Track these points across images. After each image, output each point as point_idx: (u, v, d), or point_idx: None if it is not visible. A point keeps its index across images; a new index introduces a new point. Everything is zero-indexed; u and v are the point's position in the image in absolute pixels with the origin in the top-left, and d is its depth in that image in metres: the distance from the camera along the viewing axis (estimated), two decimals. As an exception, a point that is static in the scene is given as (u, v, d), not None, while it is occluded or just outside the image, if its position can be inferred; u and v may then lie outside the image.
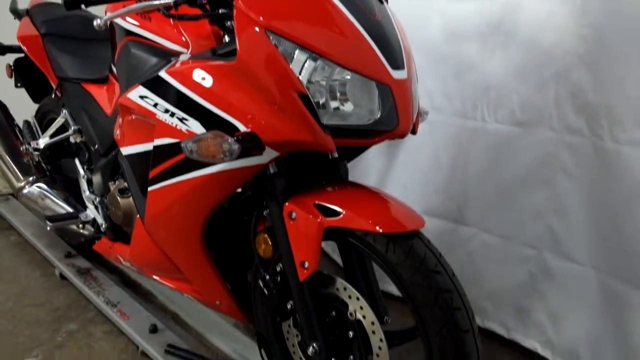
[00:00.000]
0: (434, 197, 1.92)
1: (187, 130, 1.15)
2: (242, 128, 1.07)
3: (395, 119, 1.10)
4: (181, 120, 1.16)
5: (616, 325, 1.50)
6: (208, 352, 1.70)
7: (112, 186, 1.63)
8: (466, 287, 1.13)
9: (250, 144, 1.05)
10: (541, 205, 1.65)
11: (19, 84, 2.21)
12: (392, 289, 2.01)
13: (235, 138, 1.04)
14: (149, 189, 1.32)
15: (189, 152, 1.07)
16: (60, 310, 1.97)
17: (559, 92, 1.55)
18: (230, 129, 1.08)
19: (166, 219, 1.33)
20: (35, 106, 2.29)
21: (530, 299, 1.75)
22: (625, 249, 1.44)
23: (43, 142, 1.99)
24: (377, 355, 1.17)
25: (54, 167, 2.10)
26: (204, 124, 1.12)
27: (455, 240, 1.88)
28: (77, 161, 1.85)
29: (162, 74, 1.20)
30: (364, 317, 1.17)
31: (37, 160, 2.05)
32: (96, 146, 1.72)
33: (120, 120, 1.44)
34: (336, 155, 1.30)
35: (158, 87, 1.21)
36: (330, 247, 2.38)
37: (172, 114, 1.18)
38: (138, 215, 1.48)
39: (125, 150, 1.44)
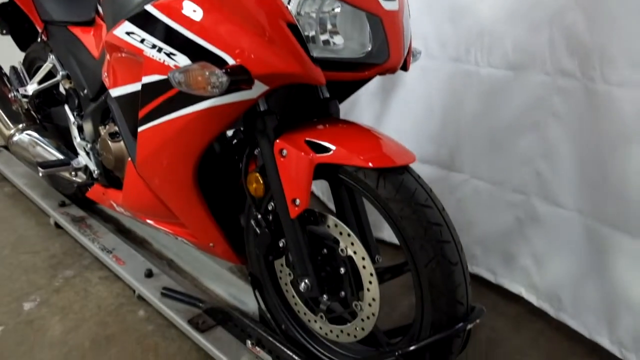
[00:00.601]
0: (427, 144, 1.93)
1: (174, 65, 1.14)
2: (230, 61, 1.06)
3: (386, 52, 1.09)
4: (169, 55, 1.14)
5: (598, 269, 1.53)
6: (203, 295, 1.73)
7: (103, 131, 1.62)
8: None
9: (239, 77, 1.04)
10: (530, 151, 1.67)
11: (4, 31, 2.16)
12: (384, 235, 2.07)
13: (223, 70, 1.03)
14: (139, 129, 1.31)
15: (177, 83, 1.06)
16: (57, 258, 1.99)
17: (553, 34, 1.54)
18: (219, 63, 1.06)
19: (157, 159, 1.33)
20: (22, 55, 2.24)
21: (517, 244, 1.78)
22: (611, 192, 1.46)
23: (31, 88, 1.96)
24: (368, 290, 1.19)
25: (44, 116, 2.08)
26: (192, 58, 1.11)
27: (447, 187, 1.90)
28: (66, 108, 1.83)
29: (149, 7, 1.17)
30: (354, 252, 1.19)
31: (26, 107, 2.02)
32: (85, 91, 1.70)
33: (107, 60, 1.42)
34: (327, 94, 1.30)
35: (144, 21, 1.19)
36: (321, 190, 2.39)
37: (160, 50, 1.16)
38: (129, 159, 1.48)
39: (114, 92, 1.42)
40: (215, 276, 1.81)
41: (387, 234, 2.10)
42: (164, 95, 1.20)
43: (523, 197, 1.73)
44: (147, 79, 1.22)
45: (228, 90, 1.06)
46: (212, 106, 1.12)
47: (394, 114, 2.04)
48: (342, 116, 1.32)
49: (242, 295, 1.70)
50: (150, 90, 1.22)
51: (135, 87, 1.30)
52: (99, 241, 1.97)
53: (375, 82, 2.03)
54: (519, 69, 1.64)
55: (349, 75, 1.13)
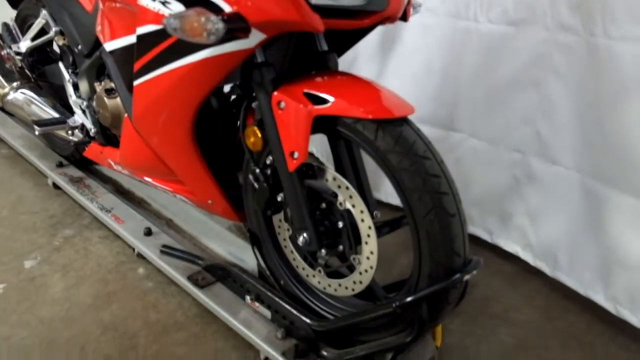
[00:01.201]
0: (426, 103, 1.91)
1: (169, 14, 1.11)
2: (227, 9, 1.04)
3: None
4: (163, 3, 1.12)
5: (595, 227, 1.54)
6: (202, 253, 1.74)
7: (99, 87, 1.60)
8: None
9: (235, 24, 1.02)
10: (529, 109, 1.66)
11: (-6, -11, 2.11)
12: (380, 195, 2.08)
13: (220, 17, 1.01)
14: (135, 83, 1.30)
15: (172, 30, 1.03)
16: (56, 218, 1.99)
17: (554, -12, 1.51)
18: (215, 11, 1.04)
19: (154, 114, 1.32)
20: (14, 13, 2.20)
21: (514, 204, 1.79)
22: (610, 150, 1.46)
23: (24, 45, 1.92)
24: (366, 243, 1.19)
25: (39, 75, 2.05)
26: (187, 6, 1.08)
27: (445, 147, 1.89)
28: (61, 65, 1.80)
29: (142, -46, 1.14)
30: (353, 206, 1.19)
31: (19, 65, 1.99)
32: (79, 47, 1.67)
33: (101, 12, 1.39)
34: (326, 47, 1.28)
35: (138, -31, 1.16)
36: (316, 148, 2.38)
37: (154, -2, 1.13)
38: (126, 115, 1.46)
39: (109, 46, 1.40)
40: (214, 235, 1.82)
41: (384, 194, 2.11)
42: (159, 47, 1.18)
43: (521, 156, 1.72)
44: (142, 30, 1.20)
45: (224, 39, 1.04)
46: (209, 57, 1.11)
47: (392, 72, 2.01)
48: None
49: (241, 253, 1.71)
50: (145, 42, 1.20)
51: (130, 39, 1.28)
52: (98, 201, 1.97)
53: (374, 40, 2.02)
54: (519, 24, 1.62)
55: (348, 23, 1.11)
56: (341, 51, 1.36)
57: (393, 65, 2.01)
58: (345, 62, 1.44)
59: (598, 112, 1.47)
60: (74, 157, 2.17)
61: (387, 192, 2.11)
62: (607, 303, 1.55)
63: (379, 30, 1.29)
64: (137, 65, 1.26)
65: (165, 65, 1.19)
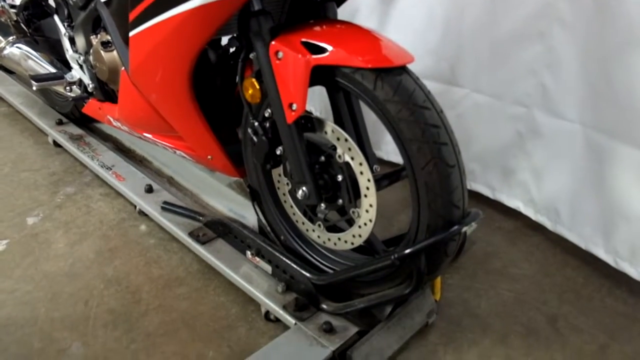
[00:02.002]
0: (427, 58, 1.87)
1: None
2: (221, -48, 1.00)
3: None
4: (156, -53, 1.08)
5: (598, 181, 1.54)
6: (203, 210, 1.74)
7: (95, 41, 1.57)
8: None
9: (230, -32, 0.99)
10: (534, 61, 1.63)
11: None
12: (381, 153, 2.06)
13: (214, -40, 0.97)
14: (130, 34, 1.27)
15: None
16: (57, 175, 2.00)
17: None
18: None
19: (150, 66, 1.30)
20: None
21: (516, 159, 1.78)
22: (615, 102, 1.43)
23: (18, -3, 1.89)
24: (365, 196, 1.19)
25: (34, 29, 2.01)
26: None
27: (447, 102, 1.85)
28: (56, 19, 1.76)
29: None
30: (352, 158, 1.18)
31: (15, 19, 1.95)
32: (74, -1, 1.64)
33: (94, -40, 1.35)
34: (325, -6, 1.24)
35: None
36: (314, 105, 2.36)
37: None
38: (123, 68, 1.44)
39: (103, -4, 1.36)
40: (214, 192, 1.82)
41: (385, 152, 2.10)
42: (153, -6, 1.14)
43: (524, 110, 1.70)
44: (136, -23, 1.16)
45: (220, -15, 1.01)
46: (205, 3, 1.08)
47: (392, 26, 1.97)
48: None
49: (241, 210, 1.70)
50: (139, -10, 1.17)
51: (125, -12, 1.25)
52: (98, 159, 1.97)
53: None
54: (525, -27, 1.57)
55: None
56: (340, 1, 1.32)
57: (393, 18, 1.96)
58: (343, 17, 1.40)
59: (604, 63, 1.43)
60: (74, 115, 2.16)
61: (387, 150, 2.10)
62: (607, 256, 1.56)
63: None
64: (132, 16, 1.23)
65: (161, 13, 1.16)
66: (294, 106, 1.14)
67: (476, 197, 1.92)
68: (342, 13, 1.32)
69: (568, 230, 1.67)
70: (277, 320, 1.36)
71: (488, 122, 1.80)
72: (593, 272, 1.62)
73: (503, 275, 1.62)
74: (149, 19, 1.19)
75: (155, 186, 1.80)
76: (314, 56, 1.08)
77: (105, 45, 1.52)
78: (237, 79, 1.27)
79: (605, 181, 1.52)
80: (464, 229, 1.08)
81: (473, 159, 1.88)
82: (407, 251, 1.11)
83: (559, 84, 1.58)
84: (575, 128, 1.57)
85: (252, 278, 1.43)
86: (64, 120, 2.19)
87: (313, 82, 1.13)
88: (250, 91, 1.23)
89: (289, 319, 1.30)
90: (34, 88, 1.76)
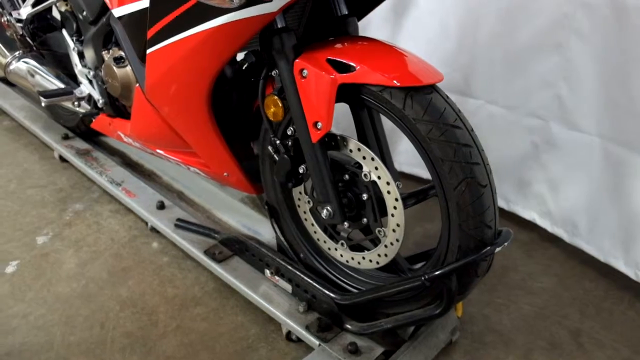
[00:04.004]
0: (440, 68, 1.82)
1: (187, -24, 1.05)
2: (250, -30, 0.98)
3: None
4: (181, -36, 1.05)
5: (616, 193, 1.52)
6: (217, 226, 1.71)
7: (107, 56, 1.54)
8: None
9: (260, -14, 0.96)
10: (550, 73, 1.61)
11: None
12: (395, 165, 2.04)
13: (244, -22, 0.95)
14: (148, 51, 1.24)
15: (193, -7, 0.98)
16: (65, 191, 1.96)
17: (580, -57, 1.44)
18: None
19: (168, 84, 1.27)
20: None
21: (532, 171, 1.76)
22: (634, 114, 1.42)
23: (25, 11, 1.84)
24: (392, 216, 1.16)
25: (40, 43, 1.97)
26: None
27: (462, 114, 1.85)
28: (64, 33, 1.73)
29: None
30: (379, 177, 1.15)
31: (20, 33, 1.91)
32: (84, 13, 1.59)
33: (109, -24, 1.32)
34: (345, 11, 1.22)
35: None
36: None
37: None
38: (137, 85, 1.41)
39: (118, 12, 1.33)
40: (227, 207, 1.79)
41: (398, 163, 2.07)
42: (175, 12, 1.12)
43: (541, 122, 1.69)
44: (156, -6, 1.13)
45: (246, 3, 0.98)
46: (229, 22, 1.05)
47: (406, 37, 1.95)
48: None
49: (256, 226, 1.68)
50: (159, 6, 1.14)
51: (141, 4, 1.22)
52: (107, 174, 1.93)
53: (386, 3, 1.94)
54: (541, -17, 1.55)
55: None
56: (361, 14, 1.30)
57: (407, 29, 1.94)
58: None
59: (623, 75, 1.42)
60: (79, 129, 2.12)
61: (400, 160, 2.08)
62: (627, 269, 1.54)
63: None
64: (151, 32, 1.20)
65: (182, 32, 1.13)
66: (319, 125, 1.11)
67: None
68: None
69: (586, 243, 1.65)
70: (299, 340, 1.33)
71: (503, 133, 1.78)
72: (612, 284, 1.60)
73: (522, 289, 1.60)
74: (168, 36, 1.16)
75: (166, 202, 1.77)
76: (341, 74, 1.06)
77: (118, 60, 1.48)
78: (259, 95, 1.24)
79: (623, 193, 1.50)
80: (497, 249, 1.06)
81: (488, 171, 1.86)
82: (439, 272, 1.08)
83: (576, 96, 1.57)
84: (593, 140, 1.56)
85: (272, 297, 1.40)
86: (70, 134, 2.15)
87: (337, 99, 1.11)
88: (272, 109, 1.21)
89: (313, 340, 1.27)
90: (43, 104, 1.72)
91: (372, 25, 2.01)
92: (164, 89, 1.29)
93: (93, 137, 2.16)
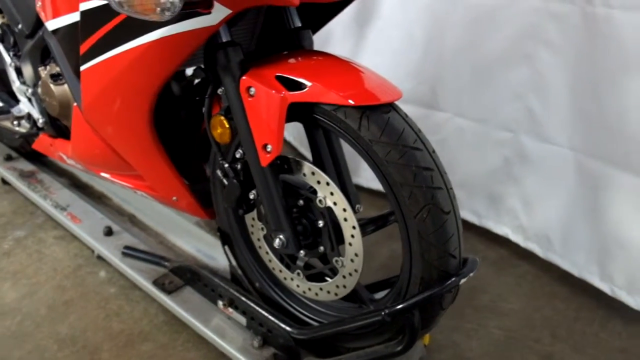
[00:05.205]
0: (406, 81, 1.80)
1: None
2: (183, -21, 0.88)
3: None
4: (107, -27, 0.95)
5: (590, 207, 1.49)
6: (169, 252, 1.60)
7: (44, 72, 1.42)
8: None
9: (194, -2, 0.87)
10: (520, 84, 1.58)
11: None
12: (361, 180, 1.96)
13: (175, -11, 0.85)
14: (82, 68, 1.14)
15: (118, 5, 0.87)
16: (5, 217, 1.82)
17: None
18: (169, -18, 0.89)
19: (106, 102, 1.16)
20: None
21: (504, 185, 1.72)
22: (607, 126, 1.39)
23: (-42, 25, 1.71)
24: (350, 245, 1.08)
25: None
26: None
27: (429, 127, 1.77)
28: (1, 47, 1.61)
29: None
30: (334, 203, 1.07)
31: (-47, 49, 1.78)
32: (20, 26, 1.48)
33: (40, -14, 1.21)
34: (299, 23, 1.14)
35: None
36: (292, 136, 2.26)
37: (97, -33, 0.97)
38: (75, 104, 1.30)
39: (51, 25, 1.23)
40: (181, 231, 1.68)
41: (365, 178, 2.00)
42: (107, 25, 1.02)
43: (511, 135, 1.65)
44: (86, 5, 1.03)
45: (183, 16, 0.89)
46: (165, 36, 0.96)
47: (369, 49, 1.90)
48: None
49: (211, 251, 1.58)
50: (90, 20, 1.04)
51: (74, 17, 1.12)
52: (52, 198, 1.80)
53: (347, 14, 1.87)
54: (508, -8, 1.51)
55: None
56: (316, 27, 1.22)
57: (370, 41, 1.88)
58: (317, 40, 1.30)
59: (596, 87, 1.39)
60: (24, 149, 1.98)
61: (367, 176, 2.00)
62: (602, 284, 1.51)
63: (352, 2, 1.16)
64: (84, 48, 1.10)
65: (116, 47, 1.04)
66: (269, 147, 1.03)
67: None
68: (315, 36, 1.22)
69: (560, 258, 1.61)
70: (254, 378, 1.23)
71: (472, 147, 1.74)
72: (583, 303, 1.55)
73: (492, 312, 1.53)
74: (103, 52, 1.06)
75: (115, 227, 1.65)
76: (291, 92, 0.97)
77: (55, 77, 1.37)
78: (204, 115, 1.14)
79: (599, 207, 1.47)
80: (462, 281, 0.98)
81: (458, 185, 1.77)
82: (399, 307, 0.99)
83: (547, 108, 1.53)
84: (565, 153, 1.52)
85: (225, 331, 1.30)
86: (14, 155, 2.02)
87: (289, 119, 1.02)
88: (218, 130, 1.11)
89: (268, 379, 1.18)
90: (-23, 124, 1.59)
91: (334, 36, 1.94)
92: (102, 108, 1.19)
93: (41, 158, 2.03)
